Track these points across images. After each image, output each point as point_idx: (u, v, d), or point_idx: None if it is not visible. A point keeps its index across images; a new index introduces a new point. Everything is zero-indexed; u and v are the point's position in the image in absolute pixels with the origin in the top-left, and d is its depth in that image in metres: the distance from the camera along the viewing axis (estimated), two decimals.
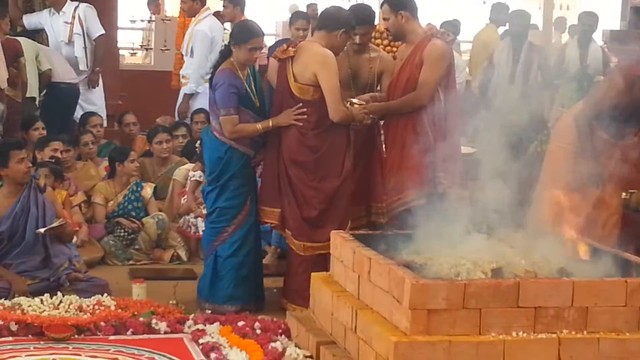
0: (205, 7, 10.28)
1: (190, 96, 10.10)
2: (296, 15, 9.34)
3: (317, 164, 6.57)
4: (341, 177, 6.58)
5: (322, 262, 6.42)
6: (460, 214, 5.68)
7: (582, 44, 10.83)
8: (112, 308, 6.20)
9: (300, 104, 6.53)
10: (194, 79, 9.98)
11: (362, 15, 6.93)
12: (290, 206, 6.63)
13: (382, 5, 6.98)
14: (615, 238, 6.60)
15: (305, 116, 6.50)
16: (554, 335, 4.73)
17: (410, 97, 6.66)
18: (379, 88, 7.04)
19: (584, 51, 10.77)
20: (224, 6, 10.15)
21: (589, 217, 6.09)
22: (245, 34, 6.65)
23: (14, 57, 9.37)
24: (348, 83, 6.90)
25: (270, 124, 6.59)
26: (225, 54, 6.73)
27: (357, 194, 6.84)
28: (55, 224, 6.74)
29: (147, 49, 15.21)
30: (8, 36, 9.57)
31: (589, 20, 11.09)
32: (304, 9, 15.60)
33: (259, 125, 6.60)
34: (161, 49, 13.32)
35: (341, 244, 5.66)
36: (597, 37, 10.93)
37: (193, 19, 10.38)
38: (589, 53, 10.78)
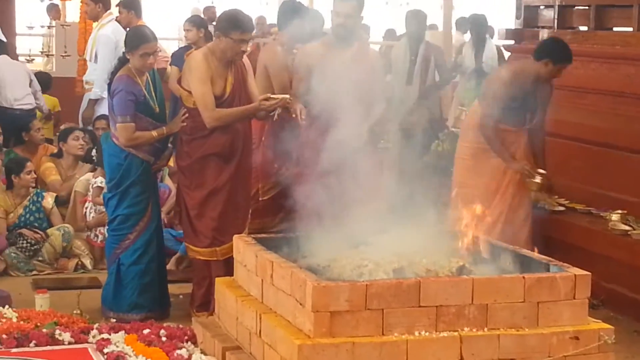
0: (109, 11, 10.16)
1: (95, 101, 9.96)
2: (187, 18, 9.65)
3: (190, 171, 6.55)
4: (209, 188, 6.49)
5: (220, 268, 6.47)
6: (365, 213, 5.72)
7: (476, 43, 11.00)
8: (14, 320, 6.12)
9: (185, 110, 6.53)
10: (98, 84, 9.80)
11: None
12: (181, 207, 6.66)
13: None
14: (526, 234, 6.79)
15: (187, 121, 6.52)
16: (456, 334, 4.78)
17: None
18: None
19: (479, 50, 10.93)
20: (119, 12, 10.05)
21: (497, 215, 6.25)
22: (135, 40, 6.59)
23: None
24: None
25: (165, 131, 6.59)
26: (124, 60, 6.67)
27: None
28: None
29: (48, 55, 15.03)
30: None
31: (477, 20, 11.30)
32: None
33: (154, 133, 6.57)
34: (62, 55, 13.17)
35: (244, 248, 5.66)
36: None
37: (95, 23, 10.27)
38: (484, 52, 10.95)
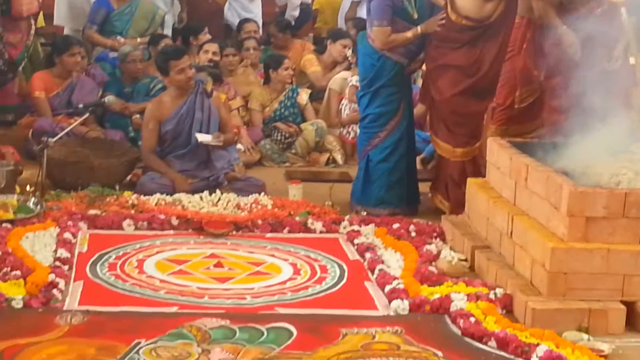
0: None
1: (357, 3, 10.15)
2: None
3: (431, 74, 6.61)
4: (440, 97, 6.53)
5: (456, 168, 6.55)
6: (621, 123, 5.56)
7: None
8: (269, 207, 6.35)
9: (444, 14, 6.47)
10: None
11: None
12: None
13: None
14: None
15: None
16: None
17: None
18: None
19: None
20: None
21: None
22: None
23: None
24: None
25: (419, 30, 6.55)
26: None
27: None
28: (213, 143, 6.85)
29: None
30: None
31: None
32: None
33: (409, 34, 6.55)
34: None
35: (498, 151, 5.65)
36: None
37: None
38: None
